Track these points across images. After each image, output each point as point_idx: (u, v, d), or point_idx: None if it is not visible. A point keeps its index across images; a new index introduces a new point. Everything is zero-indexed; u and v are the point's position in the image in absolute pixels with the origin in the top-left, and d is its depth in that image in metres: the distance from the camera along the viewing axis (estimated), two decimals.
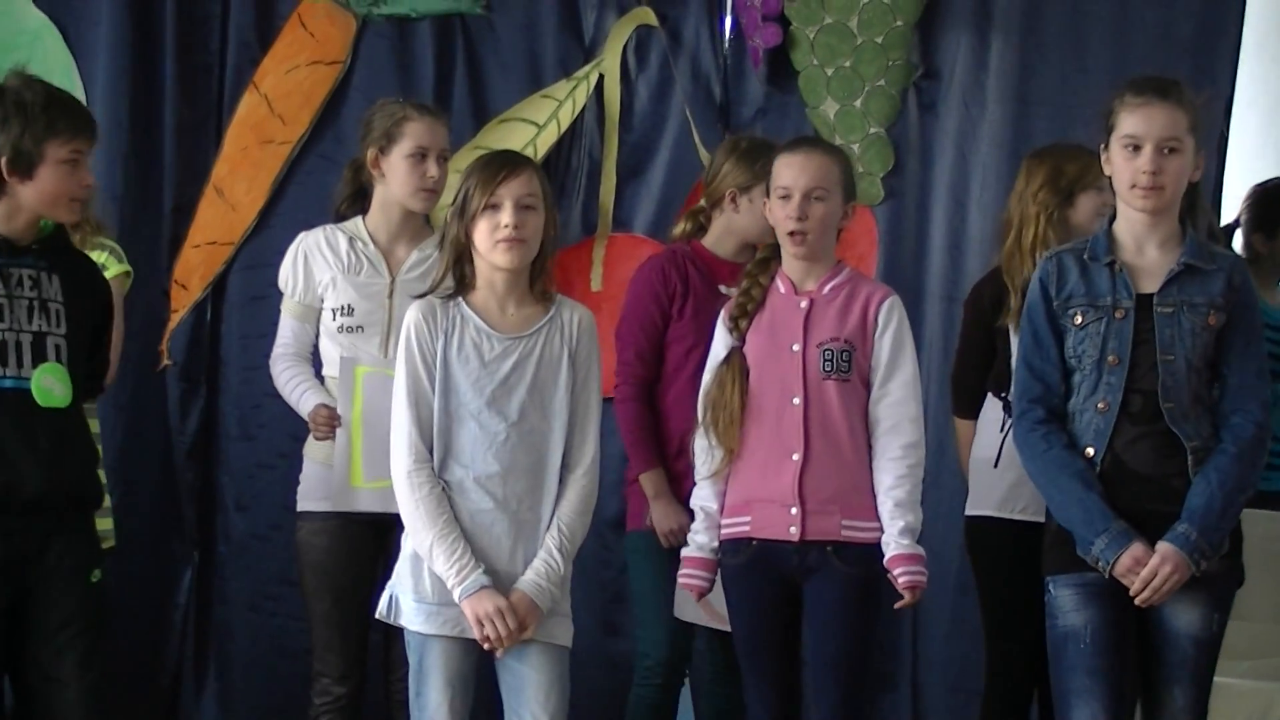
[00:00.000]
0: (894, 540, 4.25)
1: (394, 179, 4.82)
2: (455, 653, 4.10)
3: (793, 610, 4.33)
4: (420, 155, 4.79)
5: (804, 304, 4.35)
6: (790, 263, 4.40)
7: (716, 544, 4.37)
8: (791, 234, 4.33)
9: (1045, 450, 4.10)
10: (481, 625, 4.02)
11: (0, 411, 4.10)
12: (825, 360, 4.29)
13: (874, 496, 4.30)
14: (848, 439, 4.29)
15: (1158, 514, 4.01)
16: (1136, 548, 3.98)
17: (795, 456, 4.27)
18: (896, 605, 4.31)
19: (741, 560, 4.33)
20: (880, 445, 4.31)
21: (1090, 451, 4.06)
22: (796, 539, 4.25)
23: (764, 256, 4.47)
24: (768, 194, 4.41)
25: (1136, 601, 3.99)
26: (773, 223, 4.41)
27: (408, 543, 4.16)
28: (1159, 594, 3.97)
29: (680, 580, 4.43)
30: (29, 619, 4.14)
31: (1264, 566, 4.58)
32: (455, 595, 4.04)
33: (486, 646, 4.06)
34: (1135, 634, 4.08)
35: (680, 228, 5.04)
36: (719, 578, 4.40)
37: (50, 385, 4.15)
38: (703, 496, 4.41)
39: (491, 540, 4.09)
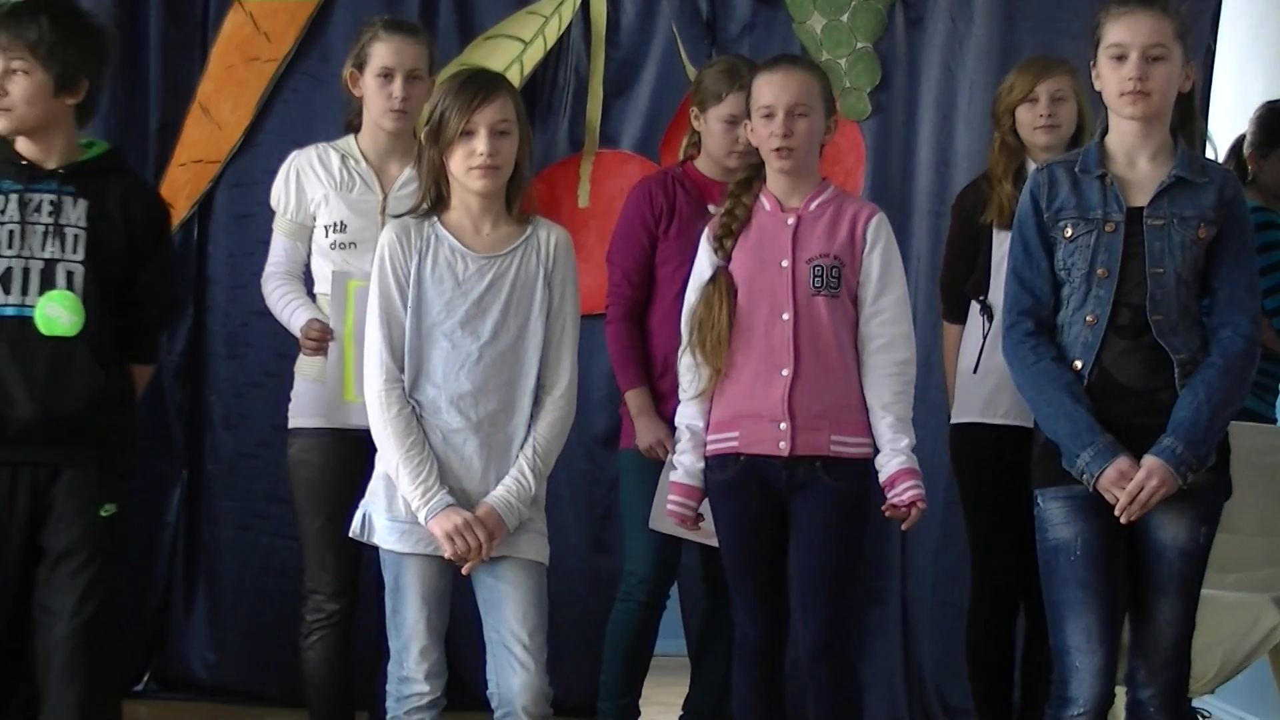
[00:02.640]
0: (897, 456, 4.26)
1: (367, 98, 4.80)
2: (430, 570, 4.08)
3: (780, 526, 4.33)
4: (386, 75, 4.75)
5: (791, 221, 4.33)
6: (775, 180, 4.38)
7: (702, 464, 4.37)
8: (778, 150, 4.31)
9: (1034, 363, 4.10)
10: (452, 541, 4.01)
11: None
12: (815, 276, 4.28)
13: (862, 413, 4.30)
14: (837, 355, 4.29)
15: (1145, 427, 4.00)
16: (1122, 461, 3.98)
17: (785, 372, 4.26)
18: (904, 526, 4.32)
19: (729, 475, 4.32)
20: (874, 362, 4.30)
21: (1078, 364, 4.06)
22: (786, 454, 4.25)
23: (746, 176, 4.45)
24: (748, 114, 4.40)
25: (1120, 517, 3.99)
26: (756, 142, 4.39)
27: (381, 462, 4.14)
28: (1144, 507, 3.97)
29: (669, 508, 4.42)
30: (39, 551, 4.12)
31: (1252, 479, 4.57)
32: (421, 517, 4.02)
33: (454, 560, 4.04)
34: (1125, 546, 4.09)
35: (683, 147, 5.08)
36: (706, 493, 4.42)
37: (56, 313, 4.09)
38: (688, 415, 4.39)
39: (463, 460, 4.07)
